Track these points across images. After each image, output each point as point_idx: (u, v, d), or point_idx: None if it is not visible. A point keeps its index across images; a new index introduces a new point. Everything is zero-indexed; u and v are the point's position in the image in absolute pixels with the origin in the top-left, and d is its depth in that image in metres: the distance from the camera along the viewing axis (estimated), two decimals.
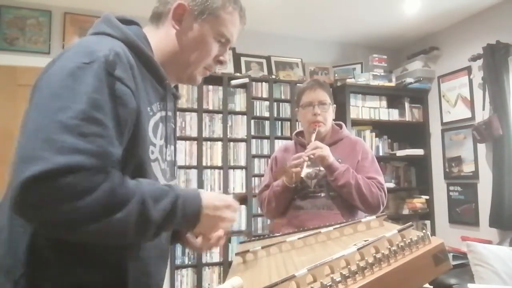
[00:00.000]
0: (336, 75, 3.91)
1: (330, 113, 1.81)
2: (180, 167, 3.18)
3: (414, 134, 3.96)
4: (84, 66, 0.72)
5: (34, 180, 0.62)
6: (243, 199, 3.32)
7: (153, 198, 0.74)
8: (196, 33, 0.92)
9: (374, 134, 3.84)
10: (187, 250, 3.18)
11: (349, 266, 0.61)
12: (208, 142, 3.34)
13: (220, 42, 0.95)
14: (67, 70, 0.71)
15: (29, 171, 0.62)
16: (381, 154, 3.82)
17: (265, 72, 3.74)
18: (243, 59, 3.70)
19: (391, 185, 3.78)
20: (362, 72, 4.01)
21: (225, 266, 3.21)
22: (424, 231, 0.66)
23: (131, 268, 0.81)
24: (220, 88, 3.41)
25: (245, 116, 3.45)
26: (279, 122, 3.57)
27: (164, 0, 0.94)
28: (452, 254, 3.00)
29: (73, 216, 0.65)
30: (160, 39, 0.93)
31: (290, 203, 1.76)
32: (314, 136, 1.73)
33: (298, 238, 0.98)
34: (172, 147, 0.99)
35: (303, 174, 1.66)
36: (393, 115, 3.87)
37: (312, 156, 1.65)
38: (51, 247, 0.74)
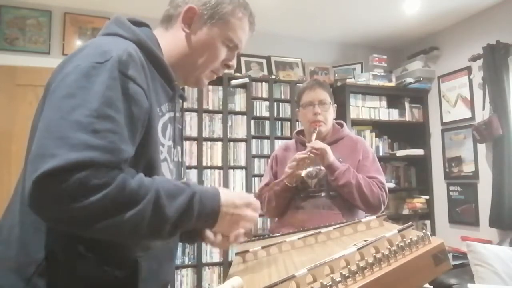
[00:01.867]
0: (336, 75, 3.91)
1: (330, 112, 1.81)
2: None
3: (414, 134, 3.96)
4: (97, 66, 0.72)
5: (47, 176, 0.63)
6: None
7: (169, 195, 0.73)
8: (205, 37, 0.93)
9: (374, 134, 3.84)
10: (187, 250, 3.18)
11: (349, 266, 0.60)
12: (208, 142, 3.34)
13: (228, 47, 0.96)
14: (81, 70, 0.72)
15: (42, 167, 0.63)
16: (381, 154, 3.82)
17: (265, 72, 3.74)
18: (243, 59, 3.70)
19: (391, 185, 3.77)
20: (362, 72, 4.01)
21: (225, 266, 3.21)
22: (424, 231, 0.66)
23: (143, 267, 0.82)
24: (220, 88, 3.41)
25: (245, 116, 3.45)
26: (279, 122, 3.57)
27: (175, 3, 0.96)
28: (452, 254, 3.00)
29: (86, 211, 0.65)
30: (170, 41, 0.94)
31: (290, 203, 1.76)
32: (314, 135, 1.73)
33: (298, 238, 0.98)
34: (179, 147, 1.00)
35: (303, 174, 1.66)
36: (393, 115, 3.87)
37: (312, 156, 1.65)
38: (64, 245, 0.75)
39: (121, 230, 0.69)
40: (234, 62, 1.01)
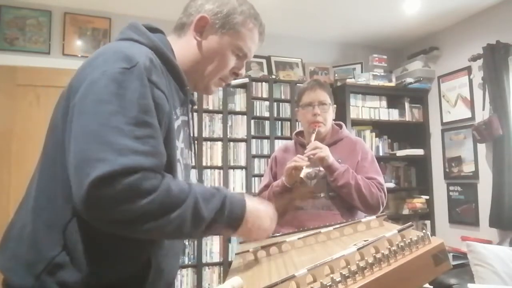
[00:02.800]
0: (336, 75, 3.91)
1: (330, 113, 1.81)
2: None
3: (414, 134, 3.96)
4: (125, 72, 0.75)
5: (102, 180, 0.66)
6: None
7: (204, 198, 0.79)
8: (215, 45, 0.96)
9: (374, 134, 3.84)
10: (187, 250, 3.18)
11: (349, 266, 0.60)
12: (208, 142, 3.34)
13: (238, 55, 1.00)
14: (110, 76, 0.74)
15: (95, 172, 0.66)
16: (381, 154, 3.82)
17: (265, 72, 3.74)
18: None
19: (391, 185, 3.78)
20: (362, 72, 4.01)
21: (225, 266, 3.21)
22: (424, 231, 0.66)
23: (153, 265, 0.84)
24: (220, 88, 3.40)
25: (245, 116, 3.45)
26: (279, 122, 3.57)
27: (188, 12, 0.99)
28: (452, 254, 3.00)
29: (136, 214, 0.69)
30: (181, 48, 0.97)
31: (290, 204, 1.75)
32: (314, 136, 1.73)
33: (298, 238, 0.98)
34: (189, 151, 1.04)
35: (302, 174, 1.66)
36: (393, 115, 3.87)
37: (312, 156, 1.65)
38: (76, 244, 0.76)
39: (166, 230, 0.74)
40: (243, 71, 1.05)
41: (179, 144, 0.92)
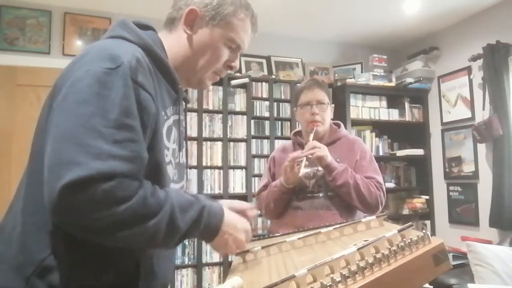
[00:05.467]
0: (336, 75, 3.91)
1: (328, 112, 1.81)
2: None
3: (414, 134, 3.96)
4: (110, 72, 0.73)
5: (74, 184, 0.63)
6: (242, 199, 3.32)
7: (181, 209, 0.77)
8: (207, 38, 0.94)
9: (374, 134, 3.84)
10: (187, 250, 3.18)
11: (349, 266, 0.60)
12: (208, 142, 3.34)
13: (231, 48, 0.96)
14: (93, 75, 0.72)
15: (68, 175, 0.63)
16: (381, 154, 3.82)
17: (265, 72, 3.74)
18: (243, 59, 3.70)
19: (391, 185, 3.78)
20: (362, 72, 4.01)
21: (225, 266, 3.21)
22: (424, 231, 0.66)
23: (143, 270, 0.83)
24: (220, 88, 3.41)
25: (245, 116, 3.45)
26: (279, 122, 3.57)
27: (177, 6, 0.96)
28: (452, 254, 3.00)
29: (109, 222, 0.67)
30: (172, 43, 0.94)
31: (289, 204, 1.75)
32: (312, 135, 1.73)
33: (298, 238, 0.99)
34: (183, 149, 1.01)
35: (301, 174, 1.65)
36: (393, 115, 3.87)
37: (310, 156, 1.64)
38: (65, 247, 0.75)
39: (139, 239, 0.72)
40: (236, 63, 1.01)
41: (171, 145, 0.90)
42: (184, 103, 1.01)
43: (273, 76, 3.65)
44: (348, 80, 3.73)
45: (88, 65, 0.74)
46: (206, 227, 0.82)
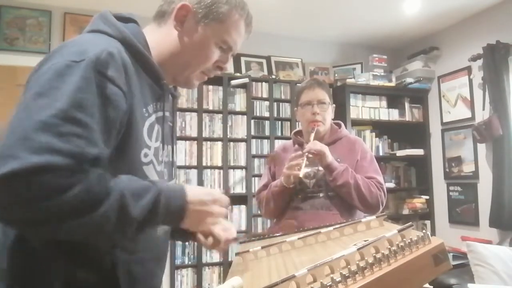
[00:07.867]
0: (336, 75, 3.91)
1: (329, 112, 1.81)
2: (180, 167, 3.18)
3: (414, 134, 3.96)
4: (72, 65, 0.70)
5: (6, 178, 0.61)
6: (242, 199, 3.32)
7: (134, 195, 0.71)
8: (197, 36, 0.89)
9: (374, 134, 3.84)
10: (187, 250, 3.18)
11: (349, 266, 0.60)
12: (208, 142, 3.34)
13: (222, 48, 0.92)
14: (55, 69, 0.70)
15: (2, 168, 0.61)
16: (381, 154, 3.82)
17: (265, 72, 3.74)
18: (243, 59, 3.70)
19: (391, 185, 3.78)
20: (362, 72, 4.01)
21: (225, 266, 3.21)
22: (424, 231, 0.66)
23: (123, 271, 0.80)
24: (220, 88, 3.41)
25: (245, 116, 3.45)
26: (279, 122, 3.58)
27: None
28: (452, 254, 3.00)
29: (43, 215, 0.64)
30: (161, 38, 0.90)
31: (289, 204, 1.75)
32: (312, 135, 1.73)
33: (298, 238, 0.98)
34: (170, 147, 0.97)
35: (301, 174, 1.65)
36: (393, 115, 3.87)
37: (310, 156, 1.64)
38: (42, 248, 0.74)
39: (84, 231, 0.68)
40: (227, 65, 0.96)
41: (152, 143, 0.86)
42: (171, 98, 0.97)
43: (273, 76, 3.65)
44: (348, 80, 3.73)
45: (55, 59, 0.72)
46: (168, 211, 0.75)
